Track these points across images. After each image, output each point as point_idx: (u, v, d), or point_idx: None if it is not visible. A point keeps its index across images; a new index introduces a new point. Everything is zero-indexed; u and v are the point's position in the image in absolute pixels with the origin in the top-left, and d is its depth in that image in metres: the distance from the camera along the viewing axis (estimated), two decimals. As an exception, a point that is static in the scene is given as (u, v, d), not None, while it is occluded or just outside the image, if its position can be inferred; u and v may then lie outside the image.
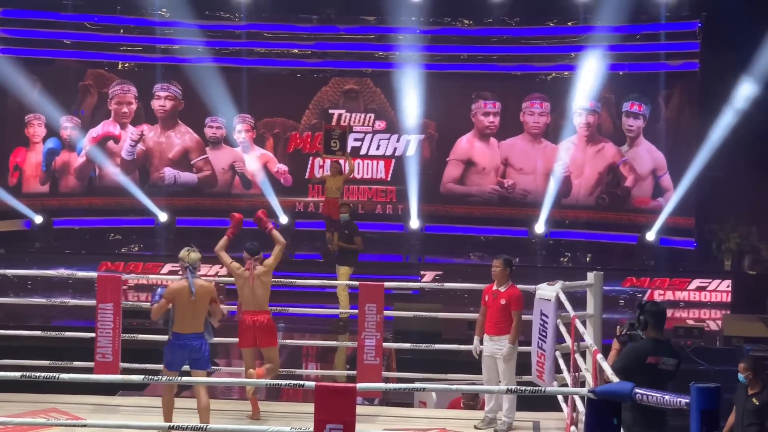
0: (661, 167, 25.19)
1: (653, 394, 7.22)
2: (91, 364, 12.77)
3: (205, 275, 13.74)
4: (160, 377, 9.84)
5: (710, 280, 22.39)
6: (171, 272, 20.20)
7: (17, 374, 8.53)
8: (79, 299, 14.77)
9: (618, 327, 9.76)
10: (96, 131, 26.41)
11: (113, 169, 26.25)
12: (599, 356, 9.17)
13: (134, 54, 26.78)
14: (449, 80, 26.22)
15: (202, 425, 8.79)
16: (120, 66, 26.91)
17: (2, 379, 8.51)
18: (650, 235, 24.77)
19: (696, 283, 22.40)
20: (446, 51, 26.37)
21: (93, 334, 12.85)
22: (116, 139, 26.51)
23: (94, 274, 13.18)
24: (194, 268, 11.07)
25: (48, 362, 12.87)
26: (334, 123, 25.56)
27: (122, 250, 25.07)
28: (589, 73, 25.07)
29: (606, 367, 8.69)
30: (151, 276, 19.62)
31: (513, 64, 26.34)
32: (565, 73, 25.89)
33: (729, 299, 22.02)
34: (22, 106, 25.59)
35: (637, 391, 7.31)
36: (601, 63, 25.01)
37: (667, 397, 7.10)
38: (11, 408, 11.94)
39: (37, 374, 8.53)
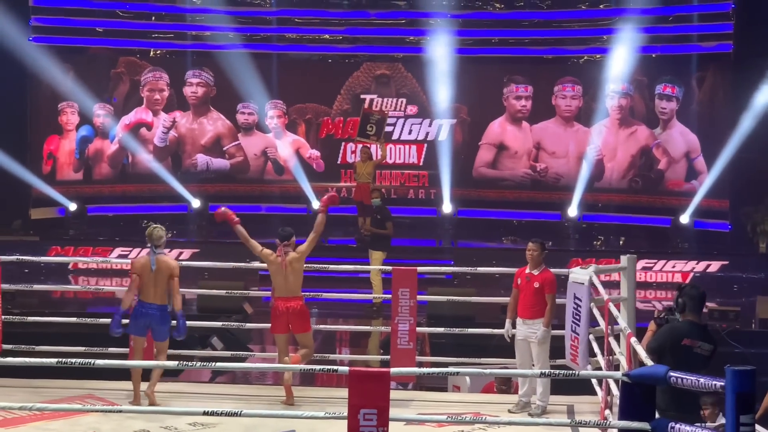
0: (694, 150, 25.08)
1: (688, 377, 7.20)
2: (125, 350, 12.83)
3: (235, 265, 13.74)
4: (195, 363, 9.86)
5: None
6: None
7: (53, 360, 8.58)
8: (113, 286, 14.81)
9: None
10: (128, 118, 26.50)
11: (146, 156, 26.34)
12: (633, 339, 9.14)
13: (166, 41, 26.86)
14: (481, 64, 26.17)
15: (237, 410, 8.80)
16: (152, 53, 26.99)
17: (39, 366, 8.56)
18: (684, 218, 24.65)
19: (730, 265, 22.34)
20: (478, 35, 26.33)
21: (127, 320, 12.91)
22: (149, 126, 26.60)
23: (128, 261, 13.22)
24: (156, 245, 11.73)
25: (83, 349, 12.96)
26: (367, 107, 25.55)
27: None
28: (622, 56, 24.94)
29: (640, 350, 8.65)
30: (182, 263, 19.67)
31: (545, 48, 26.29)
32: (598, 56, 25.78)
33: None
34: (55, 95, 25.69)
35: (672, 374, 7.29)
36: (634, 45, 24.87)
37: (702, 380, 7.08)
38: (48, 394, 12.01)
39: (73, 360, 8.58)
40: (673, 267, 22.30)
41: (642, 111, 25.66)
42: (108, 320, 11.81)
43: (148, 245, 11.81)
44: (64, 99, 25.80)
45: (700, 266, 22.37)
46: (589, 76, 25.79)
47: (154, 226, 11.79)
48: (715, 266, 22.44)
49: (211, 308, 15.97)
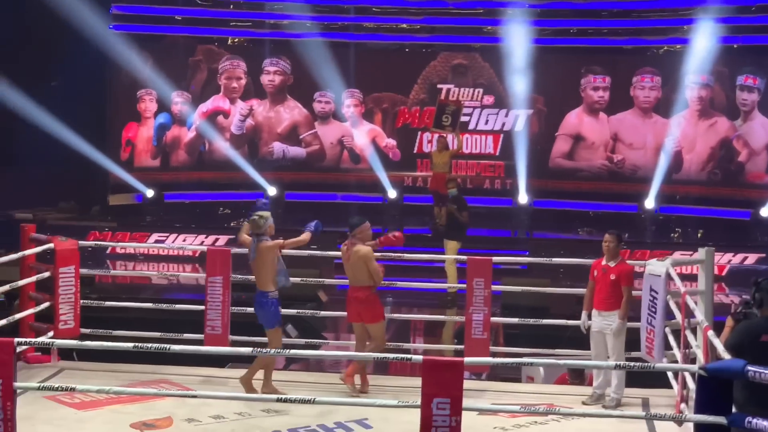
0: (776, 142, 24.83)
1: (767, 371, 7.11)
2: (200, 336, 12.93)
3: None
4: (268, 350, 9.90)
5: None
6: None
7: (129, 345, 8.66)
8: (189, 272, 14.92)
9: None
10: (206, 106, 26.67)
11: (223, 144, 26.50)
12: (710, 333, 9.04)
13: (244, 29, 27.00)
14: (558, 55, 26.02)
15: (310, 397, 8.83)
16: (230, 41, 27.14)
17: (115, 350, 8.64)
18: (765, 211, 24.35)
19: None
20: (555, 25, 26.16)
21: (203, 307, 13.00)
22: (226, 114, 26.75)
23: (204, 248, 13.31)
24: (258, 233, 11.55)
25: (159, 334, 13.06)
26: (443, 97, 25.50)
27: (231, 224, 25.32)
28: (702, 47, 24.64)
29: (717, 344, 8.55)
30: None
31: (623, 38, 26.05)
32: (677, 47, 25.50)
33: None
34: (134, 82, 25.94)
35: (750, 368, 7.21)
36: (714, 36, 24.58)
37: (781, 375, 6.99)
38: (124, 378, 12.14)
39: (149, 345, 8.66)
40: (753, 261, 22.04)
41: (722, 102, 25.36)
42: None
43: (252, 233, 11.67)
44: (143, 86, 26.04)
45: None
46: (668, 67, 25.52)
47: (257, 214, 11.57)
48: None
49: (286, 296, 16.01)
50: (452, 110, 22.91)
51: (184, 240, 22.68)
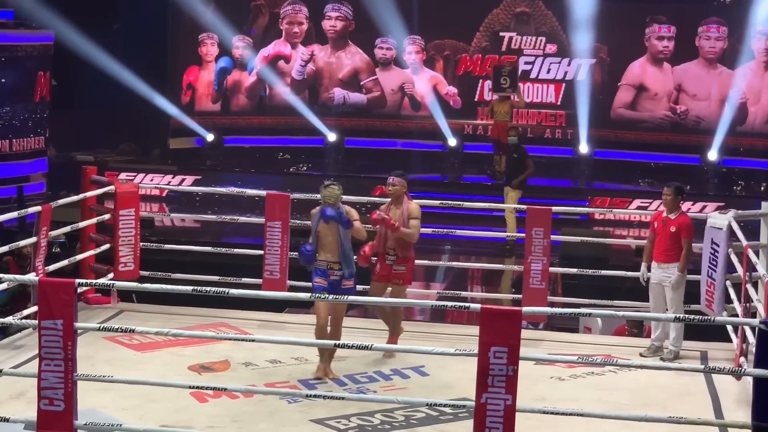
0: (843, 94, 24.49)
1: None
2: (259, 280, 12.99)
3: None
4: (327, 295, 9.92)
5: None
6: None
7: (189, 288, 8.71)
8: (248, 217, 14.97)
9: None
10: (267, 51, 26.64)
11: (283, 89, 26.47)
12: (772, 287, 8.96)
13: (306, -27, 26.88)
14: (623, 3, 25.71)
15: (367, 344, 8.85)
16: (301, -15, 27.04)
17: (175, 293, 8.69)
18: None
19: None
20: (621, -26, 25.89)
21: (261, 252, 13.05)
22: (287, 59, 26.71)
23: (263, 193, 13.33)
24: (329, 203, 10.71)
25: (218, 278, 13.14)
26: (503, 47, 25.24)
27: (291, 170, 25.38)
28: (769, -3, 24.29)
29: (779, 298, 8.48)
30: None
31: (690, -13, 25.76)
32: (745, -4, 25.15)
33: None
34: (196, 26, 25.93)
35: (812, 323, 7.13)
36: (783, -14, 24.20)
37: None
38: (183, 321, 12.25)
39: (208, 289, 8.70)
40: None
41: (790, 54, 25.03)
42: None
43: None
44: (205, 30, 26.03)
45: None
46: (735, 17, 25.14)
47: (327, 183, 10.81)
48: None
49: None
50: (509, 71, 22.83)
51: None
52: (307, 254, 10.70)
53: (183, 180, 23.01)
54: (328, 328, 10.67)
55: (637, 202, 21.68)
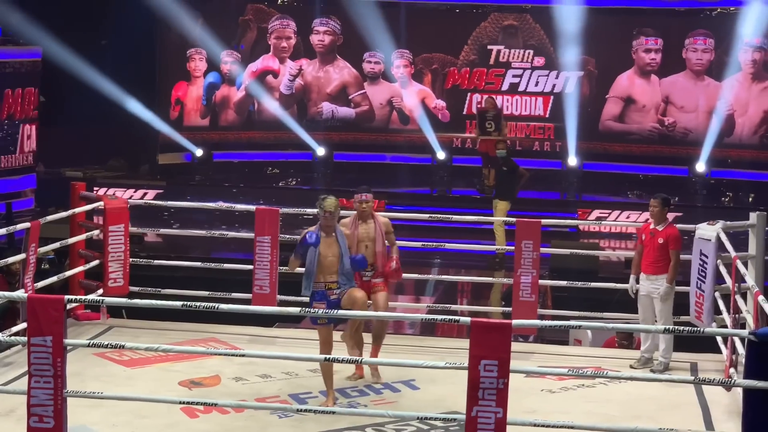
0: (830, 106, 24.55)
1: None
2: (248, 295, 12.98)
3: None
4: (316, 310, 9.92)
5: None
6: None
7: (178, 303, 8.70)
8: (237, 231, 14.98)
9: None
10: (255, 66, 26.65)
11: (272, 104, 26.48)
12: (761, 298, 8.99)
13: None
14: (610, 16, 25.78)
15: (357, 357, 8.86)
16: (279, 1, 27.07)
17: (165, 308, 8.68)
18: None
19: None
20: (608, -14, 25.98)
21: (251, 266, 13.05)
22: (275, 74, 26.73)
23: (252, 207, 13.34)
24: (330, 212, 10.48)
25: (207, 293, 13.13)
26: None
27: (280, 184, 25.37)
28: (757, 9, 24.33)
29: (768, 309, 8.50)
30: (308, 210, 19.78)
31: (676, 0, 25.79)
32: (731, 9, 25.18)
33: None
34: (184, 41, 25.94)
35: (801, 334, 7.15)
36: (769, -2, 24.29)
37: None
38: (172, 336, 12.22)
39: (198, 304, 8.69)
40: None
41: (775, 65, 25.11)
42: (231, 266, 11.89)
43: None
44: (193, 46, 26.04)
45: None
46: (721, 29, 25.22)
47: (324, 196, 10.55)
48: None
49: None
50: (492, 115, 22.84)
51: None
52: (307, 243, 10.35)
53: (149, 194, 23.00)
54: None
55: (624, 214, 21.70)
